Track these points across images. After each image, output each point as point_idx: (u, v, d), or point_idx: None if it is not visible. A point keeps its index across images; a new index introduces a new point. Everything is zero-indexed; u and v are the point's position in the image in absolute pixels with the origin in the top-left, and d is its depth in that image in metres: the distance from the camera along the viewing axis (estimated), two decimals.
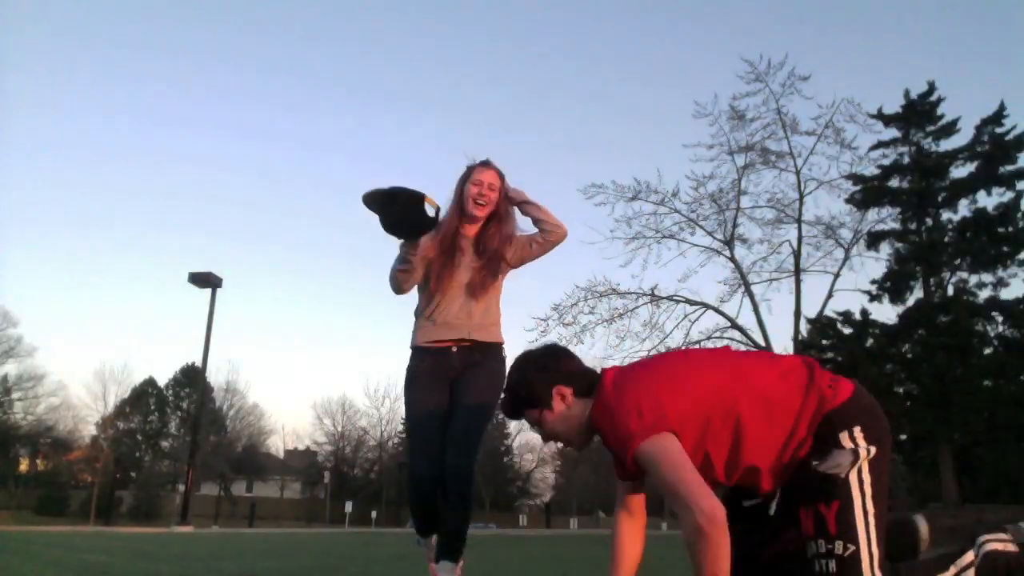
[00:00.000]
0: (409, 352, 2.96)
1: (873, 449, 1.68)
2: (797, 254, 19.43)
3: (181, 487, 44.70)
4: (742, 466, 1.76)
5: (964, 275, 23.94)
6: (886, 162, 25.06)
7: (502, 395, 2.10)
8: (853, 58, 70.18)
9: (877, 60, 71.57)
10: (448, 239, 2.93)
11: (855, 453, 1.67)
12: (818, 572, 1.62)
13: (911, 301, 24.19)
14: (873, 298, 24.78)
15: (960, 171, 24.56)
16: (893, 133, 25.77)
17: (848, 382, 1.80)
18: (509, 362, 2.15)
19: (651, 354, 19.32)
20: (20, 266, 65.55)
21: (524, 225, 3.05)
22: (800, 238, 19.46)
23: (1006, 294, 22.95)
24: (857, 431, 1.69)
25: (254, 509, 43.87)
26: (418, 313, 3.00)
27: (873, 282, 24.80)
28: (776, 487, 1.80)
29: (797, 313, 20.20)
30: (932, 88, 25.57)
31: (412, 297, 3.06)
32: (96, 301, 74.85)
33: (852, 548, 1.60)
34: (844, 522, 1.62)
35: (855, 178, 22.58)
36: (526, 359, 2.01)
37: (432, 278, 2.93)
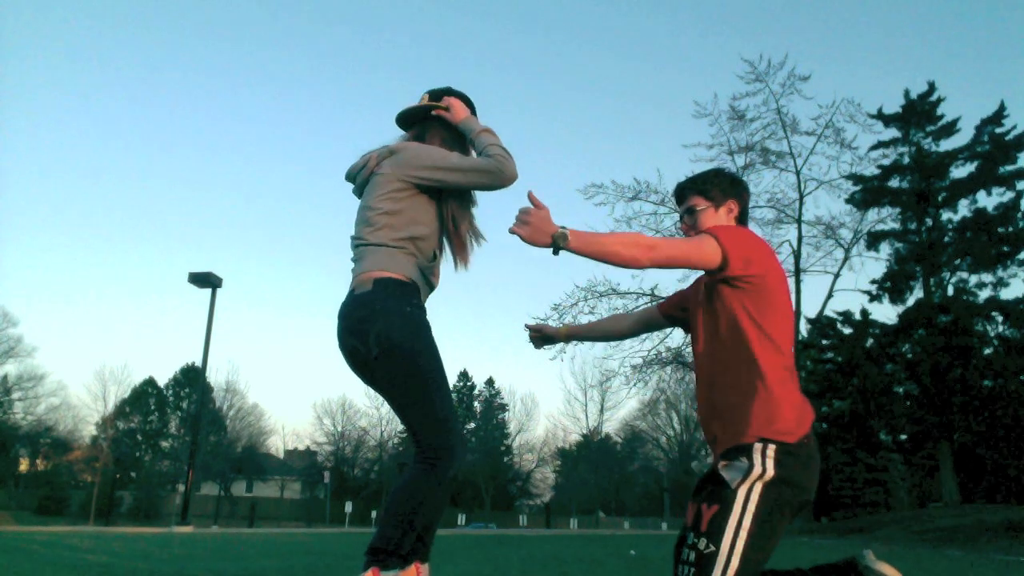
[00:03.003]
0: (388, 284, 2.18)
1: (771, 472, 1.73)
2: (797, 254, 19.42)
3: (181, 487, 44.73)
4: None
5: (964, 275, 23.96)
6: (886, 162, 25.10)
7: (694, 176, 2.18)
8: (853, 58, 70.27)
9: (877, 60, 71.64)
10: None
11: (752, 468, 1.75)
12: (683, 560, 1.74)
13: (911, 301, 24.22)
14: (873, 298, 24.80)
15: (960, 171, 24.60)
16: (893, 133, 25.82)
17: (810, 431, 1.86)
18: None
19: (652, 354, 19.52)
20: (20, 266, 65.64)
21: None
22: (800, 238, 19.45)
23: (1006, 294, 23.00)
24: (771, 450, 1.76)
25: (254, 509, 43.94)
26: (404, 243, 2.26)
27: (873, 282, 24.84)
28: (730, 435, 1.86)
29: (797, 313, 20.21)
30: (932, 88, 25.60)
31: None
32: (96, 301, 74.89)
33: (712, 549, 1.68)
34: (715, 525, 1.71)
35: (855, 178, 22.60)
36: (728, 171, 2.22)
37: (455, 219, 2.36)
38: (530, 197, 1.83)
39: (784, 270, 2.01)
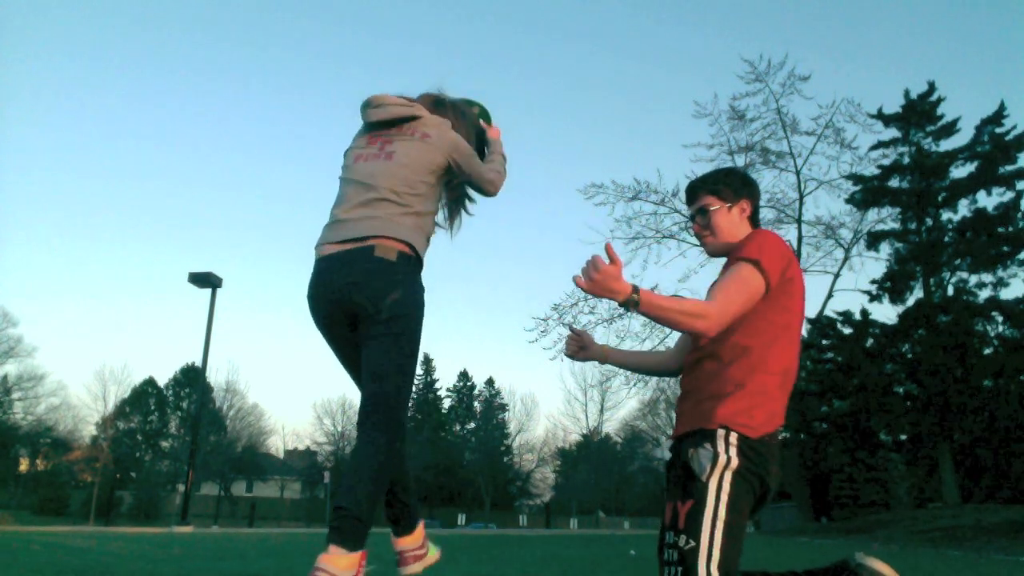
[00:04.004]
0: (411, 261, 2.28)
1: (736, 461, 1.77)
2: (797, 254, 19.40)
3: (181, 487, 44.71)
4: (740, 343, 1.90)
5: (964, 275, 23.97)
6: (886, 162, 25.09)
7: (703, 176, 2.15)
8: (853, 58, 70.27)
9: (877, 60, 71.65)
10: None
11: (717, 457, 1.77)
12: (667, 561, 1.77)
13: (911, 301, 24.23)
14: (873, 298, 24.80)
15: (960, 171, 24.60)
16: (893, 133, 25.82)
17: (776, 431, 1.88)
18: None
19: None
20: (20, 266, 65.65)
21: None
22: (800, 238, 19.44)
23: (1006, 294, 23.00)
24: (733, 438, 1.79)
25: (254, 509, 43.92)
26: (428, 218, 2.40)
27: (873, 282, 24.84)
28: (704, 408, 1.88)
29: None
30: (932, 88, 25.60)
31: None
32: (96, 301, 74.95)
33: (693, 544, 1.72)
34: (692, 520, 1.74)
35: (855, 178, 22.58)
36: (739, 170, 2.20)
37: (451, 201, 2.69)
38: (607, 249, 1.73)
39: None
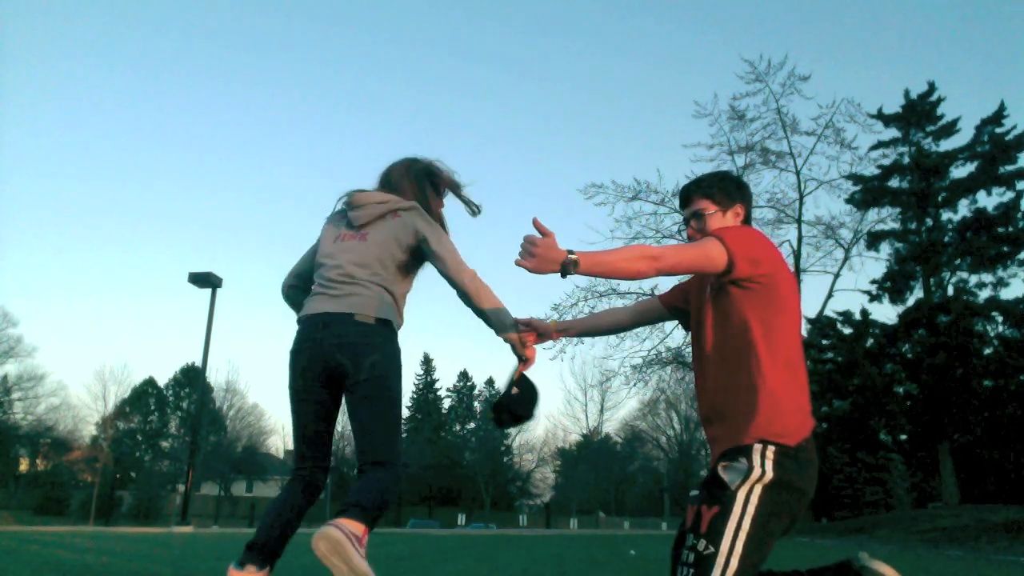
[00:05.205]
0: (389, 326, 2.48)
1: (770, 475, 1.75)
2: (797, 254, 19.40)
3: (181, 487, 44.72)
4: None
5: (964, 275, 23.98)
6: (886, 162, 25.11)
7: (702, 177, 2.17)
8: (853, 58, 70.28)
9: (877, 60, 71.64)
10: None
11: (751, 470, 1.75)
12: (682, 561, 1.75)
13: (911, 301, 24.23)
14: (873, 298, 24.81)
15: (960, 171, 24.62)
16: (893, 133, 25.83)
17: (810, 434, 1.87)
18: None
19: (652, 354, 19.51)
20: (20, 266, 65.63)
21: None
22: (800, 238, 19.43)
23: (1006, 294, 23.01)
24: (770, 452, 1.76)
25: (254, 509, 43.92)
26: (401, 298, 2.58)
27: (873, 282, 24.85)
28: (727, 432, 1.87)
29: None
30: (932, 88, 25.61)
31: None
32: (96, 301, 74.96)
33: (712, 550, 1.70)
34: (715, 527, 1.72)
35: (855, 178, 22.59)
36: (732, 174, 2.24)
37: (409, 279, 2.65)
38: (535, 224, 1.76)
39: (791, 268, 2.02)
